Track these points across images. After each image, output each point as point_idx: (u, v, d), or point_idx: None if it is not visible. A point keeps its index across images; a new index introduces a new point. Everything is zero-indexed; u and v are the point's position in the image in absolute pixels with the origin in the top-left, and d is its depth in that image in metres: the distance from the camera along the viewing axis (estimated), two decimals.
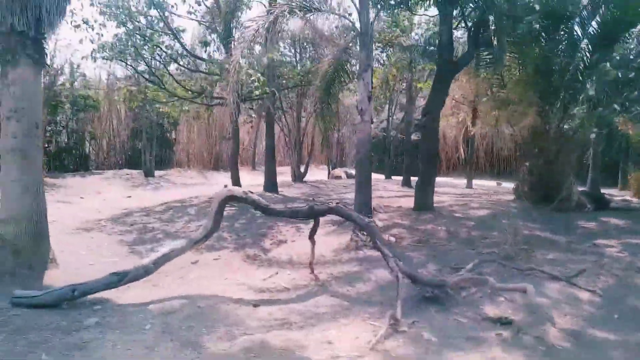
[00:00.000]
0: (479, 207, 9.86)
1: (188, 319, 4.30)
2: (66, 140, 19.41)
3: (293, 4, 6.50)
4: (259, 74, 7.90)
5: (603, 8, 9.05)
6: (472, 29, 8.85)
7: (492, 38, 8.96)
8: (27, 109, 5.14)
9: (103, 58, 9.97)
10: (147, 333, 3.99)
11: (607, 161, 15.43)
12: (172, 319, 4.31)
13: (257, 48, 9.72)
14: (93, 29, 9.78)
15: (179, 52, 10.49)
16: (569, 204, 9.19)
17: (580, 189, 10.54)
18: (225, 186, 5.14)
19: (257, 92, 8.14)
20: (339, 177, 19.90)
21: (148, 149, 18.71)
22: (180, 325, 4.15)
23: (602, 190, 12.09)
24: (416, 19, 15.34)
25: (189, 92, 11.02)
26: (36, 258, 5.38)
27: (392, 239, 6.87)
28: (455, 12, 8.90)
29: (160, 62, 10.33)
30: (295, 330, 4.12)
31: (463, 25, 9.54)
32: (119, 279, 4.77)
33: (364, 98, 7.11)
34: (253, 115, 13.05)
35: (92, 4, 10.01)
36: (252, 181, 15.35)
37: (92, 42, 9.78)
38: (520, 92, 9.08)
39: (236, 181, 10.48)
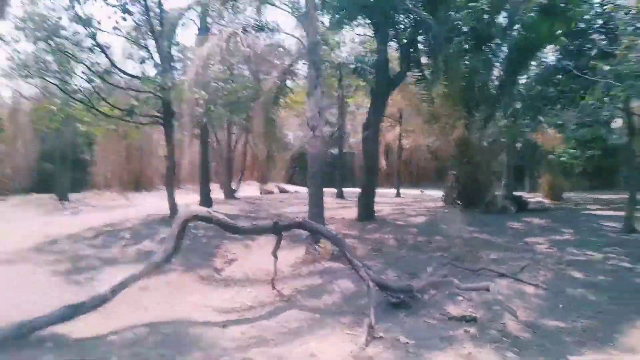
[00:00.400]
0: (416, 215, 10.41)
1: (157, 347, 4.10)
2: None
3: (247, 23, 6.51)
4: (202, 92, 7.73)
5: (510, 35, 10.17)
6: (404, 49, 9.43)
7: (421, 58, 9.62)
8: None
9: (21, 76, 9.07)
10: None
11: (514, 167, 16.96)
12: (139, 349, 4.08)
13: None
14: (8, 45, 8.89)
15: (106, 69, 9.85)
16: (495, 207, 10.08)
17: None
18: (187, 206, 4.96)
19: (200, 110, 7.95)
20: (271, 192, 19.73)
21: (62, 171, 17.25)
22: (150, 354, 3.94)
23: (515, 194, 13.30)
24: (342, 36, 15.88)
25: (116, 111, 10.34)
26: None
27: None
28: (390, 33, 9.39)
29: (86, 79, 9.61)
30: (275, 346, 4.08)
31: (396, 45, 10.06)
32: (74, 310, 4.38)
33: (315, 115, 7.23)
34: (185, 133, 12.62)
35: (4, 19, 9.12)
36: (180, 200, 14.71)
37: (9, 60, 8.87)
38: (450, 107, 9.82)
39: (172, 201, 10.00)
